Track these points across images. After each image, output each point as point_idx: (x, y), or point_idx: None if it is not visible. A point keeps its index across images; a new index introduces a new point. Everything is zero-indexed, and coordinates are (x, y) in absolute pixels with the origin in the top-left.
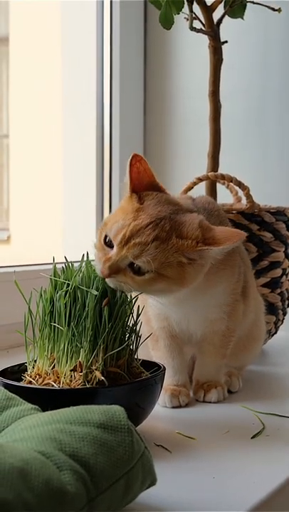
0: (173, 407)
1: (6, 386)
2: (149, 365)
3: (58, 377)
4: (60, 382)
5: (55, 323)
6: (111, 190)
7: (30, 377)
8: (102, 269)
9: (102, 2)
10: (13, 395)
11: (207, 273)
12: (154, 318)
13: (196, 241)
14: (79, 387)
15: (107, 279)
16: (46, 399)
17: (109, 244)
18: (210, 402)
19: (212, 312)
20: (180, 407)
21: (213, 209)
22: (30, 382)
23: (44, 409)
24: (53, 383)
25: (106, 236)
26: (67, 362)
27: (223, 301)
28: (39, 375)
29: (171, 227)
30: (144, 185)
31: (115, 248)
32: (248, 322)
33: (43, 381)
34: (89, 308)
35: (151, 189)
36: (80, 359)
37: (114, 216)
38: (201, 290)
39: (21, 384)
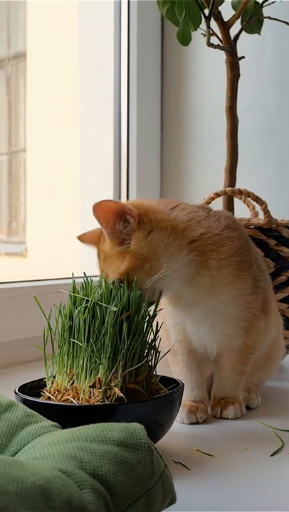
0: (191, 424)
1: (25, 402)
2: (168, 382)
3: (77, 394)
4: (79, 399)
5: (74, 339)
6: None
7: (50, 392)
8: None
9: (120, 20)
10: (33, 412)
11: (205, 284)
12: (172, 330)
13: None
14: (98, 403)
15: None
16: (65, 415)
17: None
18: (227, 419)
19: (226, 326)
20: (198, 423)
21: (231, 225)
22: (49, 398)
23: (63, 426)
24: (72, 399)
25: None
26: (86, 378)
27: (236, 314)
28: (58, 391)
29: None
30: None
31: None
32: (269, 339)
33: (62, 397)
34: (108, 324)
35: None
36: (99, 375)
37: None
38: (204, 300)
39: (40, 400)
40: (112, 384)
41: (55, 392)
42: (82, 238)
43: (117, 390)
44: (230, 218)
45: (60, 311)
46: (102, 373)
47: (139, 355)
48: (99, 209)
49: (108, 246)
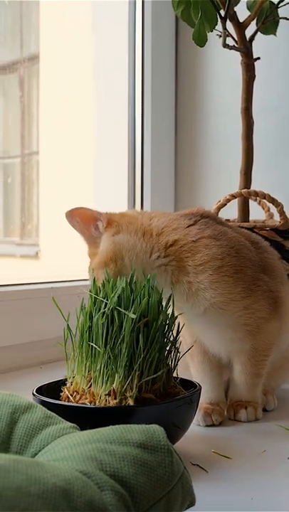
0: (207, 426)
1: (44, 403)
2: (187, 384)
3: (94, 399)
4: (95, 404)
5: (92, 342)
6: (142, 208)
7: (69, 392)
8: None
9: (134, 21)
10: (52, 413)
11: (184, 291)
12: (186, 333)
13: None
14: (116, 405)
15: None
16: (83, 417)
17: None
18: (241, 421)
19: (225, 332)
20: (214, 425)
21: (216, 235)
22: (67, 398)
23: (81, 426)
24: (88, 404)
25: None
26: (102, 385)
27: (230, 321)
28: (76, 391)
29: None
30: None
31: None
32: (286, 341)
33: (80, 398)
34: (125, 332)
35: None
36: (114, 385)
37: None
38: (186, 308)
39: (59, 402)
40: (127, 394)
41: (74, 393)
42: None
43: (130, 401)
44: (219, 229)
45: (82, 308)
46: (117, 383)
47: (157, 362)
48: (72, 216)
49: (88, 249)
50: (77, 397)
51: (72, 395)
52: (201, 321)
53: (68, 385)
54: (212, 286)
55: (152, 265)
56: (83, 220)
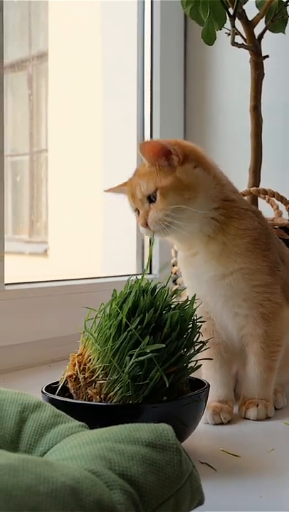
0: (215, 424)
1: (52, 401)
2: (196, 382)
3: (100, 392)
4: (100, 396)
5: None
6: None
7: (79, 364)
8: (141, 224)
9: (143, 19)
10: (61, 412)
11: (216, 250)
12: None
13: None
14: (124, 403)
15: (147, 230)
16: (91, 414)
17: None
18: (250, 419)
19: (239, 306)
20: (222, 424)
21: (258, 213)
22: (74, 375)
23: (89, 424)
24: (94, 396)
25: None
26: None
27: (248, 292)
28: (86, 367)
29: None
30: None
31: (133, 205)
32: None
33: (86, 383)
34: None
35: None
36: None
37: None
38: (213, 267)
39: (67, 399)
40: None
41: (82, 368)
42: (111, 189)
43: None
44: (259, 212)
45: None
46: (119, 394)
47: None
48: (145, 148)
49: (147, 169)
50: (84, 378)
51: (80, 370)
52: (219, 288)
53: (79, 352)
54: (246, 252)
55: (206, 211)
56: (156, 153)
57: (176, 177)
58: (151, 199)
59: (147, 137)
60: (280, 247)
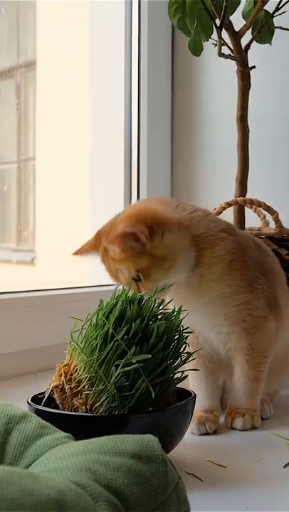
0: (201, 434)
1: (38, 412)
2: (182, 392)
3: (86, 402)
4: (86, 406)
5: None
6: None
7: (65, 373)
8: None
9: (130, 29)
10: (47, 423)
11: (194, 283)
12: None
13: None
14: (110, 414)
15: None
16: (77, 425)
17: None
18: (236, 429)
19: (221, 325)
20: (208, 434)
21: (227, 229)
22: (60, 385)
23: (75, 435)
24: (80, 406)
25: None
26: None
27: (228, 313)
28: (72, 377)
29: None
30: (89, 246)
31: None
32: (283, 342)
33: (72, 394)
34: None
35: (95, 239)
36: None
37: None
38: (191, 299)
39: (53, 410)
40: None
41: (68, 378)
42: (79, 252)
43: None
44: (228, 224)
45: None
46: (105, 404)
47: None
48: (114, 242)
49: (119, 253)
50: (70, 389)
51: (66, 380)
52: (203, 311)
53: (65, 362)
54: (222, 277)
55: (187, 261)
56: (123, 242)
57: (150, 254)
58: (136, 279)
59: (134, 146)
60: (260, 257)
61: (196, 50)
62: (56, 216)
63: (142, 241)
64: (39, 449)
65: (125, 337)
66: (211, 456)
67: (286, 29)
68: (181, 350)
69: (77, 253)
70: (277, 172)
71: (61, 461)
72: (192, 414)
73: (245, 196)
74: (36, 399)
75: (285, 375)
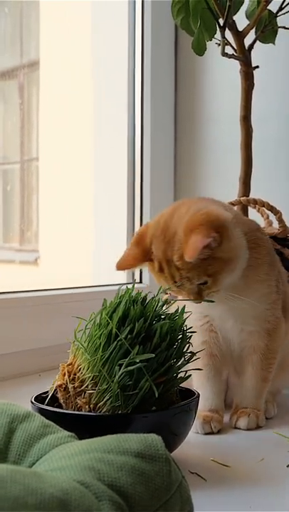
0: (205, 434)
1: (42, 411)
2: (186, 391)
3: (89, 402)
4: (90, 405)
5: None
6: (142, 214)
7: (69, 373)
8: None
9: (134, 29)
10: (50, 422)
11: (239, 283)
12: (198, 331)
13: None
14: (114, 413)
15: (201, 300)
16: (81, 424)
17: None
18: (240, 429)
19: (250, 324)
20: (212, 433)
21: (259, 228)
22: (64, 385)
23: (78, 434)
24: (84, 406)
25: None
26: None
27: (259, 313)
28: (76, 377)
29: (171, 252)
30: (141, 253)
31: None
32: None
33: (76, 393)
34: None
35: (144, 244)
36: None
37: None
38: (234, 298)
39: (57, 409)
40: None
41: (72, 377)
42: (124, 266)
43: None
44: (256, 223)
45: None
46: (108, 404)
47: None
48: (192, 256)
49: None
50: (73, 388)
51: (70, 379)
52: (236, 311)
53: (69, 361)
54: (265, 278)
55: (243, 257)
56: (200, 253)
57: (219, 259)
58: (202, 283)
59: (138, 146)
60: (277, 260)
61: (200, 49)
62: (59, 216)
63: (211, 247)
64: (43, 448)
65: (129, 336)
66: (214, 455)
67: None
68: (185, 349)
69: (122, 267)
70: (280, 172)
71: (65, 460)
72: (196, 413)
73: (248, 196)
74: (40, 398)
75: (287, 376)
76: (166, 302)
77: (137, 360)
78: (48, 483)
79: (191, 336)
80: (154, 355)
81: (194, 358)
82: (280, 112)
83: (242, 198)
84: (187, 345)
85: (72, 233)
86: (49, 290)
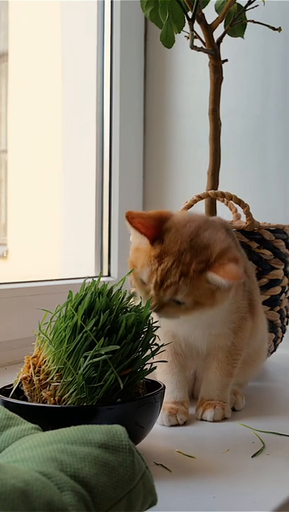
0: (171, 426)
1: (6, 404)
2: (151, 383)
3: (54, 393)
4: (54, 398)
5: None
6: (110, 206)
7: (34, 365)
8: (151, 308)
9: (103, 20)
10: (14, 414)
11: None
12: (162, 336)
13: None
14: (79, 405)
15: (157, 314)
16: (45, 416)
17: (144, 282)
18: (207, 421)
19: (215, 328)
20: (178, 425)
21: (229, 227)
22: (28, 378)
23: (43, 427)
24: (48, 398)
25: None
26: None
27: (226, 317)
28: (41, 369)
29: (192, 257)
30: (153, 228)
31: (152, 291)
32: (256, 340)
33: (41, 385)
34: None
35: (161, 224)
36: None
37: (140, 258)
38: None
39: (21, 402)
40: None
41: (37, 370)
42: (133, 215)
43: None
44: (229, 228)
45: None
46: (73, 396)
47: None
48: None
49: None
50: (38, 380)
51: (35, 372)
52: (200, 321)
53: (34, 354)
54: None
55: None
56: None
57: (214, 299)
58: (179, 302)
59: (106, 139)
60: (245, 259)
61: (168, 42)
62: (28, 209)
63: (228, 284)
64: (5, 440)
65: (94, 328)
66: (180, 447)
67: (258, 23)
68: (150, 341)
69: (131, 216)
70: (248, 165)
71: (27, 451)
72: (161, 405)
73: (216, 189)
74: (4, 391)
75: (255, 366)
76: (132, 296)
77: (102, 352)
78: (9, 474)
79: (156, 328)
80: (119, 347)
81: (160, 350)
82: (249, 106)
83: (210, 191)
84: (153, 337)
85: (41, 227)
86: (16, 283)
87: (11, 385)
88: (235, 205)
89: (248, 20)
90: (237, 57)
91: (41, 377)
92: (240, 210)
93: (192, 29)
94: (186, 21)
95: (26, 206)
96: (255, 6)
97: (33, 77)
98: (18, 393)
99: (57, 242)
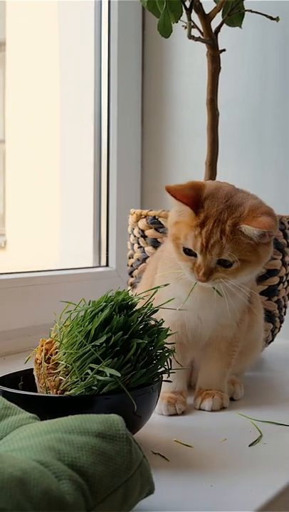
0: (170, 415)
1: (4, 393)
2: None
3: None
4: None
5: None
6: (108, 197)
7: (48, 350)
8: (200, 278)
9: (100, 10)
10: (12, 404)
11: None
12: (170, 325)
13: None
14: (76, 395)
15: (205, 284)
16: (43, 406)
17: (189, 253)
18: (205, 410)
19: (224, 317)
20: (177, 415)
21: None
22: (41, 360)
23: (42, 416)
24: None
25: (184, 248)
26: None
27: (239, 307)
28: (51, 357)
29: (228, 215)
30: (194, 198)
31: (199, 256)
32: (255, 331)
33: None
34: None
35: (200, 193)
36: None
37: (182, 230)
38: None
39: (19, 391)
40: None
41: (48, 356)
42: (173, 189)
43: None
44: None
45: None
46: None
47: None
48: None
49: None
50: (46, 368)
51: (46, 358)
52: (213, 305)
53: (49, 339)
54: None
55: None
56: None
57: (258, 255)
58: (223, 261)
59: (104, 129)
60: None
61: (165, 31)
62: (26, 200)
63: (262, 240)
64: (3, 430)
65: (104, 345)
66: (178, 436)
67: (256, 12)
68: (159, 369)
69: (172, 190)
70: (246, 155)
71: (25, 440)
72: (159, 395)
73: (214, 179)
74: (3, 381)
75: (251, 356)
76: (153, 312)
77: (106, 371)
78: (7, 463)
79: (168, 356)
80: (120, 374)
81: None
82: (247, 96)
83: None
84: (163, 364)
85: (39, 217)
86: (15, 273)
87: (10, 375)
88: None
89: (245, 10)
90: (235, 46)
91: (50, 366)
92: None
93: (190, 19)
94: (184, 11)
95: (25, 196)
96: None
97: (31, 66)
98: (17, 381)
99: (55, 233)
